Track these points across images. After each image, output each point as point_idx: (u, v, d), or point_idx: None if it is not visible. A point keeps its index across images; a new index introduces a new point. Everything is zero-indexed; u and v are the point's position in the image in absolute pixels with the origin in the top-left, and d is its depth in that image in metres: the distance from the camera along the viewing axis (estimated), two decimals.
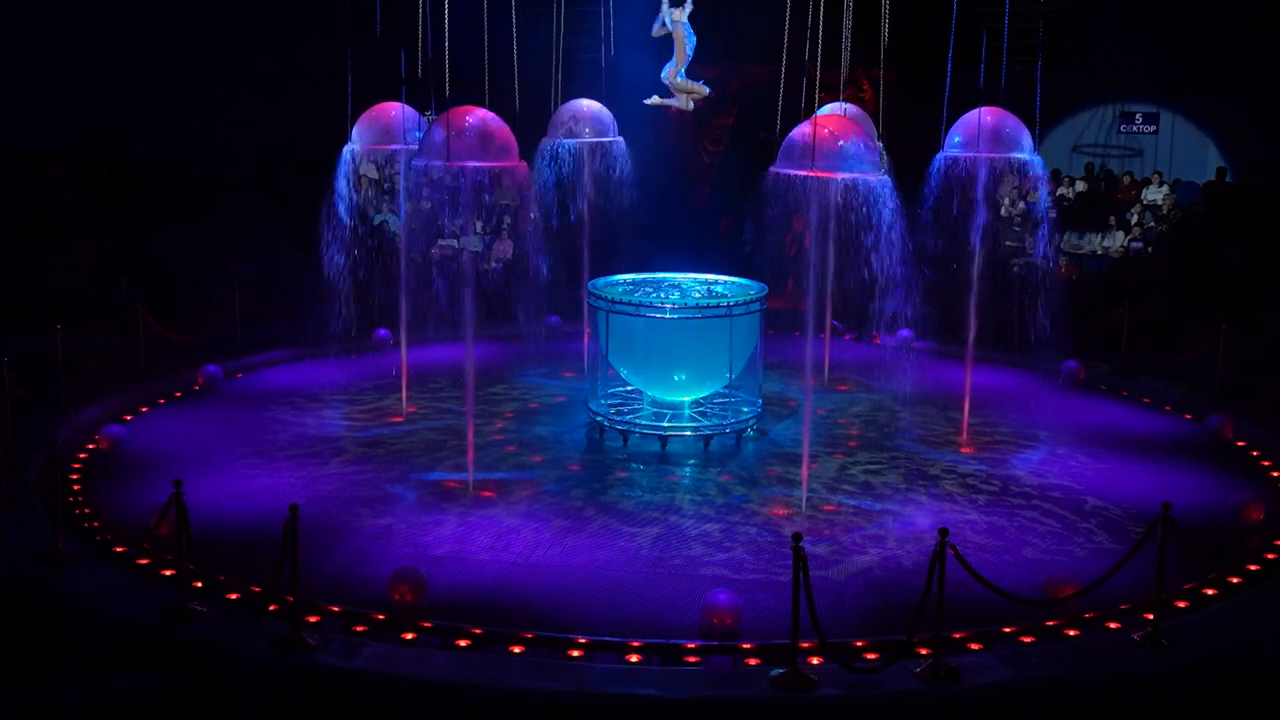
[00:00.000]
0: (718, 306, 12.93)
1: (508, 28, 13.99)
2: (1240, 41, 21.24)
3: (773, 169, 11.68)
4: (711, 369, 13.31)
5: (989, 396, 15.21)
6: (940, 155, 13.20)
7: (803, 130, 11.41)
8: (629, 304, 13.00)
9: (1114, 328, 16.99)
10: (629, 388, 14.12)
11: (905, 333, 17.69)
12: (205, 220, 20.62)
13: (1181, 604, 9.53)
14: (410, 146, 13.31)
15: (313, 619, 8.96)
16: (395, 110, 13.68)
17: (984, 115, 12.86)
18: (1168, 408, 15.12)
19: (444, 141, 11.19)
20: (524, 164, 11.87)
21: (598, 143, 14.99)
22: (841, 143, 11.21)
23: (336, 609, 9.22)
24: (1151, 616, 8.91)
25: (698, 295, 13.35)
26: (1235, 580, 9.98)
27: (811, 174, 11.13)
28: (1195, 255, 19.15)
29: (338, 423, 14.08)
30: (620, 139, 15.11)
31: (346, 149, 13.79)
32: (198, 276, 18.78)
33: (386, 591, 9.30)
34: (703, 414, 13.70)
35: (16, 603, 9.37)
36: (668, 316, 12.88)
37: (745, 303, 13.04)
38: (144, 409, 14.36)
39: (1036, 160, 13.15)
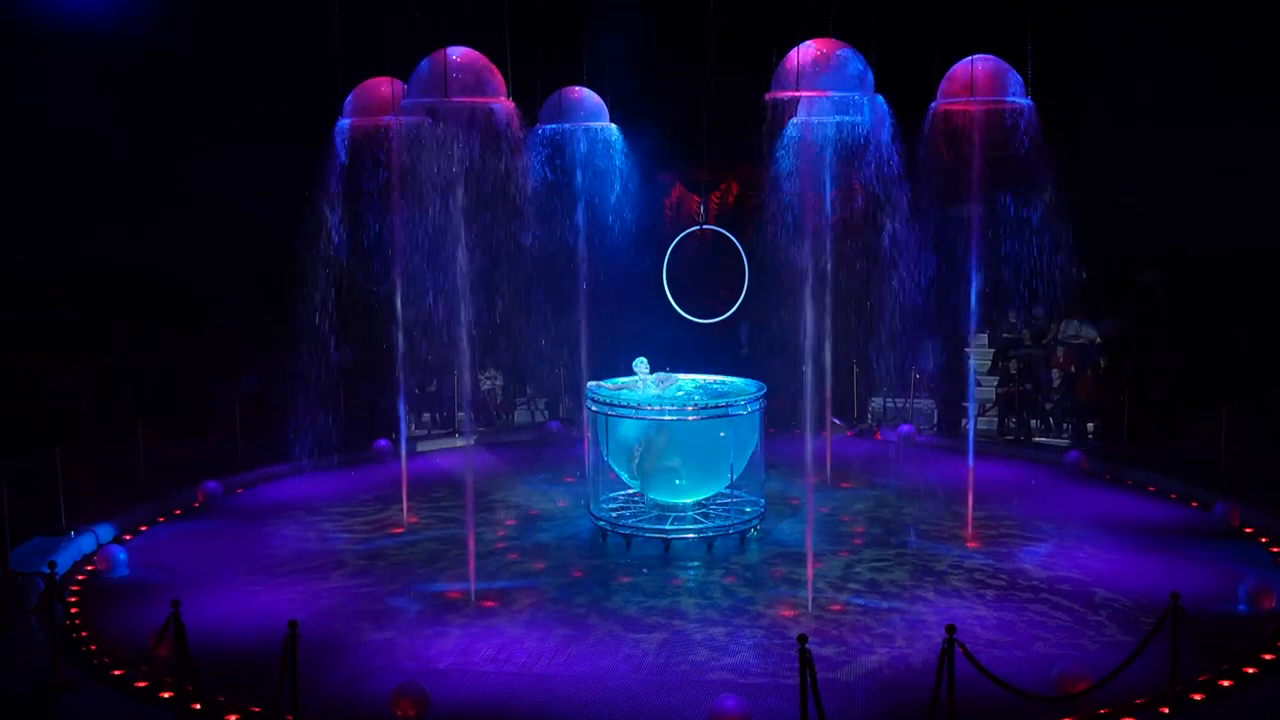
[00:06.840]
0: (717, 406, 12.93)
1: None
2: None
3: (768, 95, 11.70)
4: (713, 469, 13.27)
5: (993, 489, 15.13)
6: (932, 105, 12.95)
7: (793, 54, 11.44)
8: (627, 406, 13.00)
9: (1115, 415, 16.97)
10: (631, 491, 14.05)
11: (906, 428, 17.71)
12: (206, 333, 20.63)
13: (1197, 696, 9.37)
14: (400, 118, 13.10)
15: None
16: (385, 85, 13.72)
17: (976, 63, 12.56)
18: (1173, 496, 15.02)
19: (434, 78, 11.05)
20: (512, 102, 11.60)
21: (588, 127, 14.74)
22: (832, 63, 11.22)
23: None
24: (1167, 710, 8.78)
25: (697, 395, 13.36)
26: (1250, 670, 9.81)
27: (798, 94, 11.26)
28: (1197, 335, 19.12)
29: (338, 535, 13.98)
30: (612, 124, 14.81)
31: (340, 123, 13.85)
32: (199, 390, 18.77)
33: (389, 708, 9.13)
34: (705, 515, 13.62)
35: None
36: (667, 419, 12.88)
37: (745, 401, 13.05)
38: (143, 527, 14.27)
39: (1027, 104, 12.64)
